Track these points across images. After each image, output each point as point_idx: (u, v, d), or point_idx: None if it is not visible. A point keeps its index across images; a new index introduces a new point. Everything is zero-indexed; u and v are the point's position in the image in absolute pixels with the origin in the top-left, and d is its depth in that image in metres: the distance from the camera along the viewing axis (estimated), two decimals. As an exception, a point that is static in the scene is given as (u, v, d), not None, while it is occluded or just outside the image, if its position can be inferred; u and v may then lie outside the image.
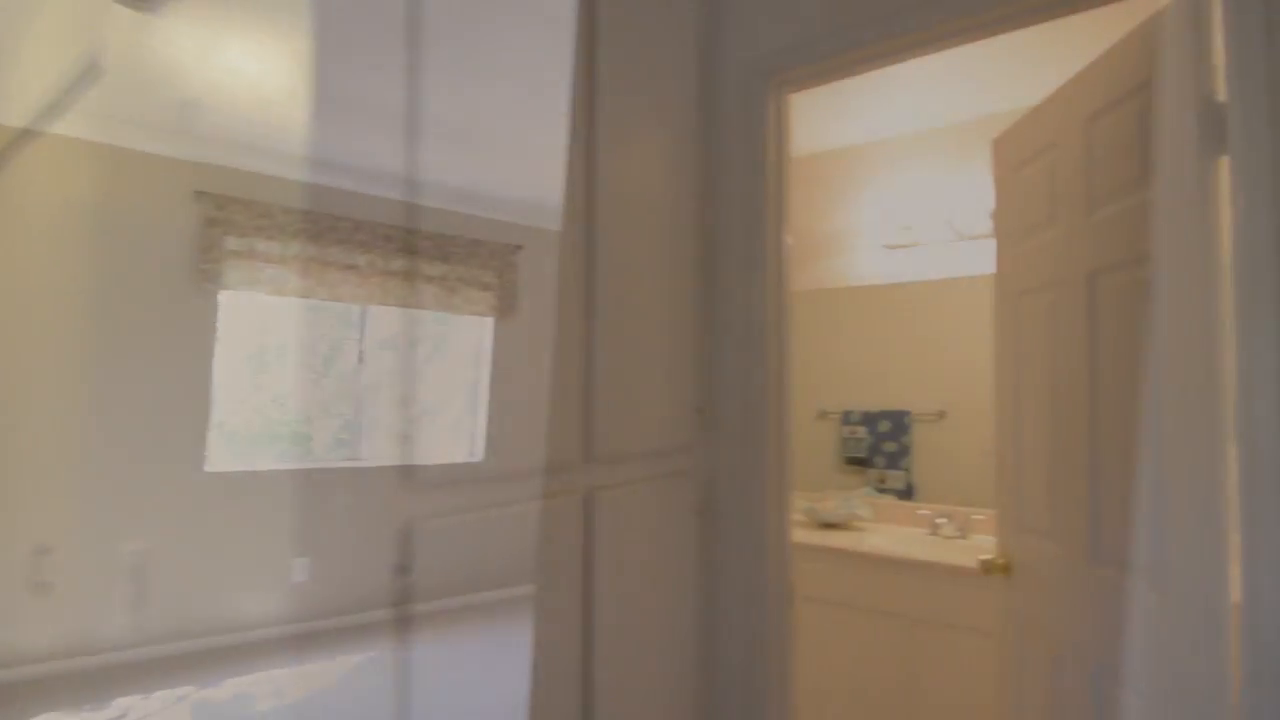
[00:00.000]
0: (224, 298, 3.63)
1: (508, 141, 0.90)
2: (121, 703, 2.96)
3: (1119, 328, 1.40)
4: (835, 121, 2.90)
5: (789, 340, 1.64)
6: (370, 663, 3.10)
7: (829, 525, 2.77)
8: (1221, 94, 1.21)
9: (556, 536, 1.21)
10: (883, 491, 2.88)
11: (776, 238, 1.63)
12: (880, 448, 2.91)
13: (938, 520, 2.63)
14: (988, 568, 1.80)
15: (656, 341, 1.52)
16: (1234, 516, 1.19)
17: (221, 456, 3.71)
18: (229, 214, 3.49)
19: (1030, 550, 1.69)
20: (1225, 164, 1.21)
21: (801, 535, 2.61)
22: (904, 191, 2.93)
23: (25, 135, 2.81)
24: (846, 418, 2.99)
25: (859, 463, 2.94)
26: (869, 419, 2.95)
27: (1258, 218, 1.12)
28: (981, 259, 2.70)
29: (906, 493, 2.84)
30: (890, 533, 2.71)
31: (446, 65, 1.31)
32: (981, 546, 2.47)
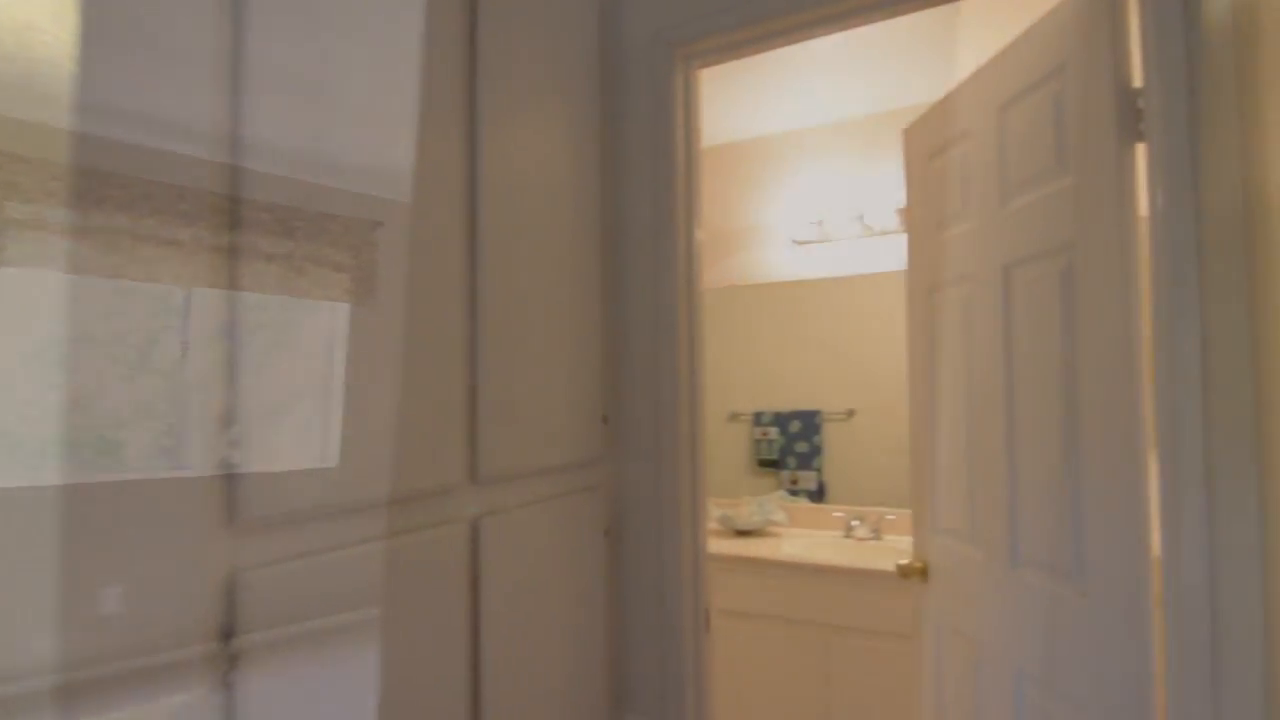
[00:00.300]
0: (3, 276, 3.18)
1: (366, 102, 0.76)
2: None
3: (1035, 322, 1.35)
4: (744, 111, 2.83)
5: (701, 341, 1.52)
6: (191, 706, 2.72)
7: (744, 533, 2.68)
8: (1137, 79, 1.17)
9: (431, 579, 1.03)
10: (795, 494, 2.83)
11: (688, 228, 1.50)
12: (792, 448, 2.86)
13: (852, 523, 2.60)
14: (905, 572, 1.74)
15: (556, 342, 1.36)
16: (1155, 514, 1.15)
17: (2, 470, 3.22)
18: (10, 174, 3.03)
19: (948, 552, 1.64)
20: (1141, 151, 1.17)
21: (716, 545, 2.51)
22: (815, 185, 2.88)
23: None
24: (758, 419, 2.92)
25: (771, 464, 2.88)
26: (780, 420, 2.89)
27: (1177, 207, 1.07)
28: (892, 255, 2.69)
29: (818, 493, 2.79)
30: (805, 537, 2.65)
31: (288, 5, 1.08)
32: (897, 548, 2.45)
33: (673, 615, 1.47)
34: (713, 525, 2.80)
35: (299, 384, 0.91)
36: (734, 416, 2.99)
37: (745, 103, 2.71)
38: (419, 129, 1.01)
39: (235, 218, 0.85)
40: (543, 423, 1.30)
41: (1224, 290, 1.03)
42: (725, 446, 2.99)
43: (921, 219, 1.76)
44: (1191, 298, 1.06)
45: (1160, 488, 1.09)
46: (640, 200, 1.49)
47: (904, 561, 1.76)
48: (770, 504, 2.73)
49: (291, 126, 0.86)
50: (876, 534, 2.55)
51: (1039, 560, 1.35)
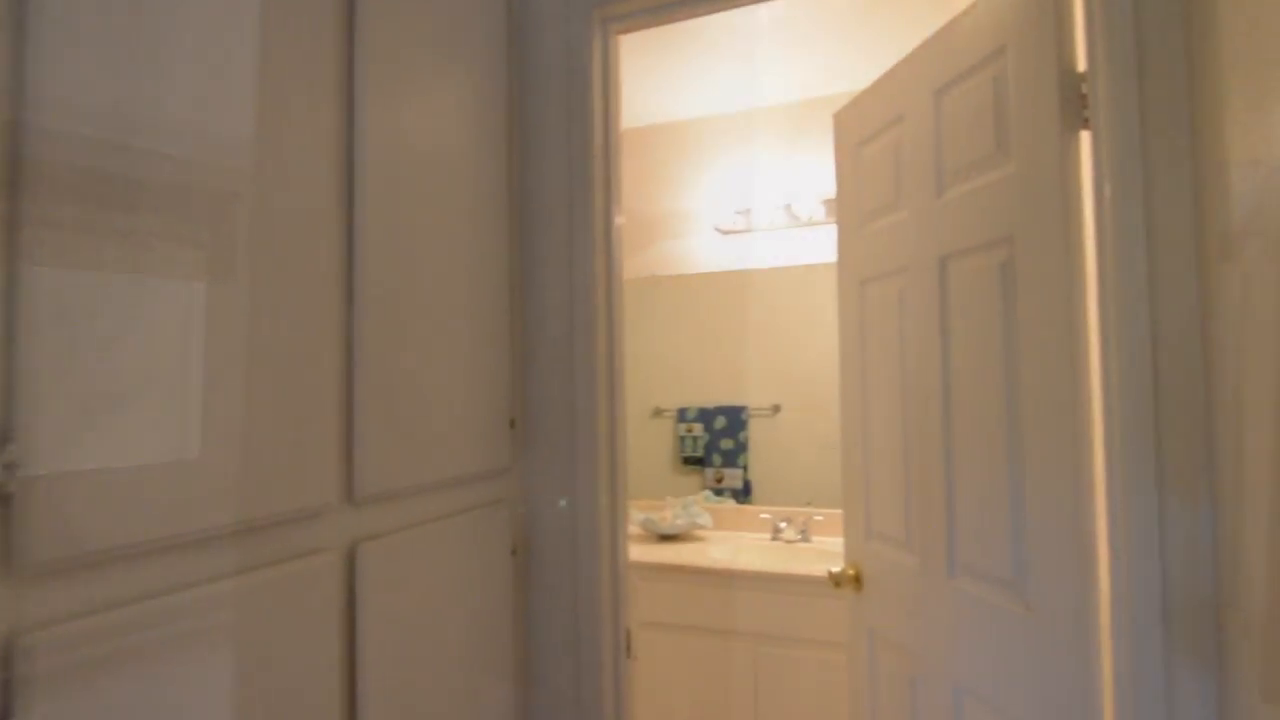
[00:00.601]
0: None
1: (215, 65, 0.62)
2: None
3: (974, 316, 1.28)
4: (666, 93, 2.70)
5: (622, 335, 1.38)
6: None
7: (667, 538, 2.57)
8: (1081, 63, 1.11)
9: (290, 623, 0.85)
10: (720, 493, 2.74)
11: (606, 211, 1.36)
12: (717, 446, 2.77)
13: (779, 524, 2.52)
14: (837, 580, 1.66)
15: (455, 336, 1.19)
16: (1101, 521, 1.09)
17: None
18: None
19: (882, 560, 1.56)
20: (1086, 139, 1.10)
21: (637, 551, 2.39)
22: (741, 173, 2.79)
23: None
24: (682, 415, 2.82)
25: (696, 463, 2.78)
26: (705, 416, 2.79)
27: (1125, 199, 1.01)
28: (821, 247, 2.63)
29: (744, 492, 2.71)
30: (731, 541, 2.56)
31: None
32: (827, 551, 2.39)
33: (589, 640, 1.33)
34: (634, 530, 2.68)
35: (122, 383, 0.71)
36: (657, 413, 2.87)
37: (668, 84, 2.59)
38: (281, 95, 0.83)
39: (67, 188, 0.65)
40: (438, 429, 1.14)
41: (1174, 286, 0.97)
42: (648, 444, 2.87)
43: (852, 208, 1.67)
44: (1139, 294, 0.99)
45: (1108, 494, 1.03)
46: (554, 179, 1.34)
47: (836, 569, 1.67)
48: (694, 506, 2.63)
49: (110, 88, 0.66)
50: (805, 536, 2.49)
51: (978, 570, 1.28)
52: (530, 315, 1.36)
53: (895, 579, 1.51)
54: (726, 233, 2.79)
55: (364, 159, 0.98)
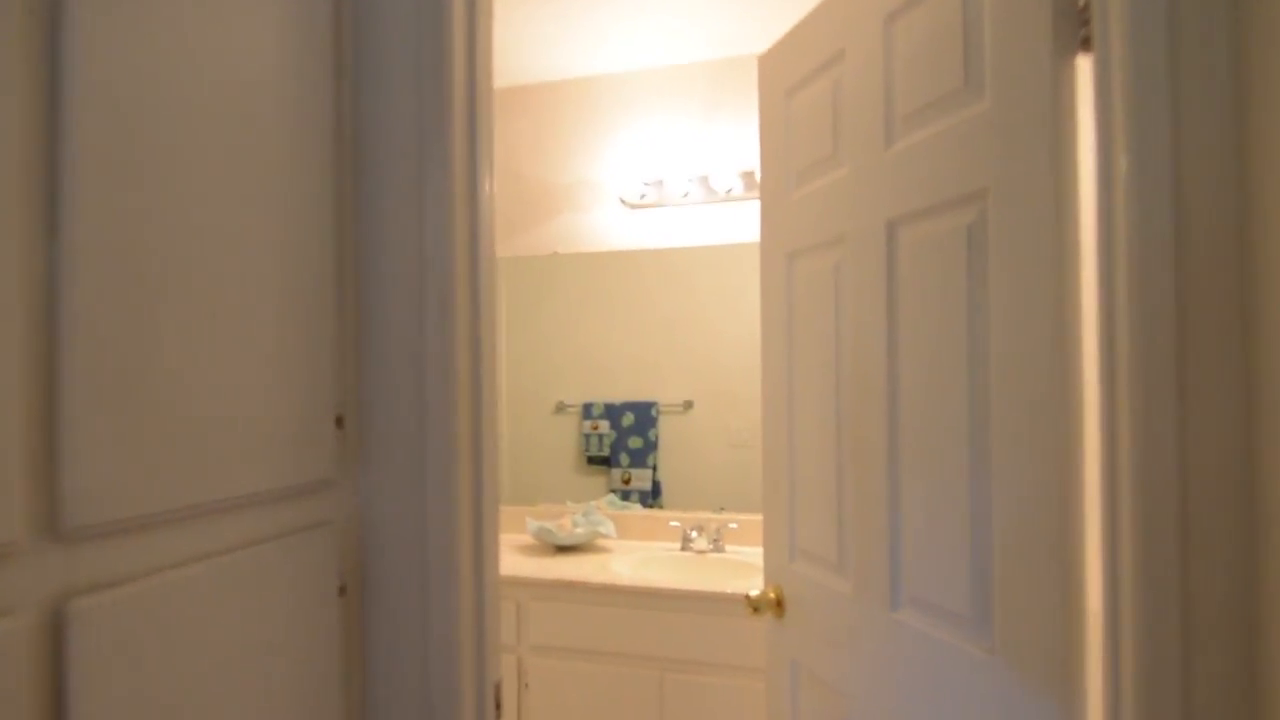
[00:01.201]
0: None
1: None
2: None
3: (930, 294, 1.04)
4: (565, 45, 2.39)
5: (492, 317, 1.07)
6: None
7: (566, 549, 2.27)
8: (1076, -32, 0.88)
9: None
10: (627, 495, 2.46)
11: (472, 171, 1.04)
12: (625, 444, 2.49)
13: (690, 533, 2.27)
14: (756, 604, 1.41)
15: (249, 312, 0.85)
16: (1092, 547, 0.88)
17: None
18: None
19: (809, 583, 1.32)
20: (1085, 64, 0.88)
21: (531, 567, 2.08)
22: (651, 139, 2.51)
23: None
24: (587, 411, 2.53)
25: (602, 462, 2.50)
26: (612, 412, 2.51)
27: (1143, 139, 0.77)
28: (740, 224, 2.38)
29: (653, 494, 2.45)
30: (638, 552, 2.28)
31: None
32: (742, 563, 2.15)
33: (445, 700, 1.02)
34: (528, 540, 2.37)
35: None
36: (561, 408, 2.57)
37: (569, 35, 2.28)
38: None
39: None
40: (218, 429, 0.79)
41: (1207, 259, 0.75)
42: (550, 442, 2.57)
43: (779, 169, 1.41)
44: (1159, 268, 0.76)
45: (1105, 521, 0.80)
46: (399, 129, 1.01)
47: (754, 592, 1.42)
48: (596, 513, 2.34)
49: None
50: (718, 545, 2.24)
51: (928, 602, 1.05)
52: (367, 289, 1.02)
53: (825, 607, 1.27)
54: (635, 206, 2.51)
55: (76, 73, 0.63)
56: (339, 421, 0.97)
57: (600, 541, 2.33)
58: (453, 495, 1.01)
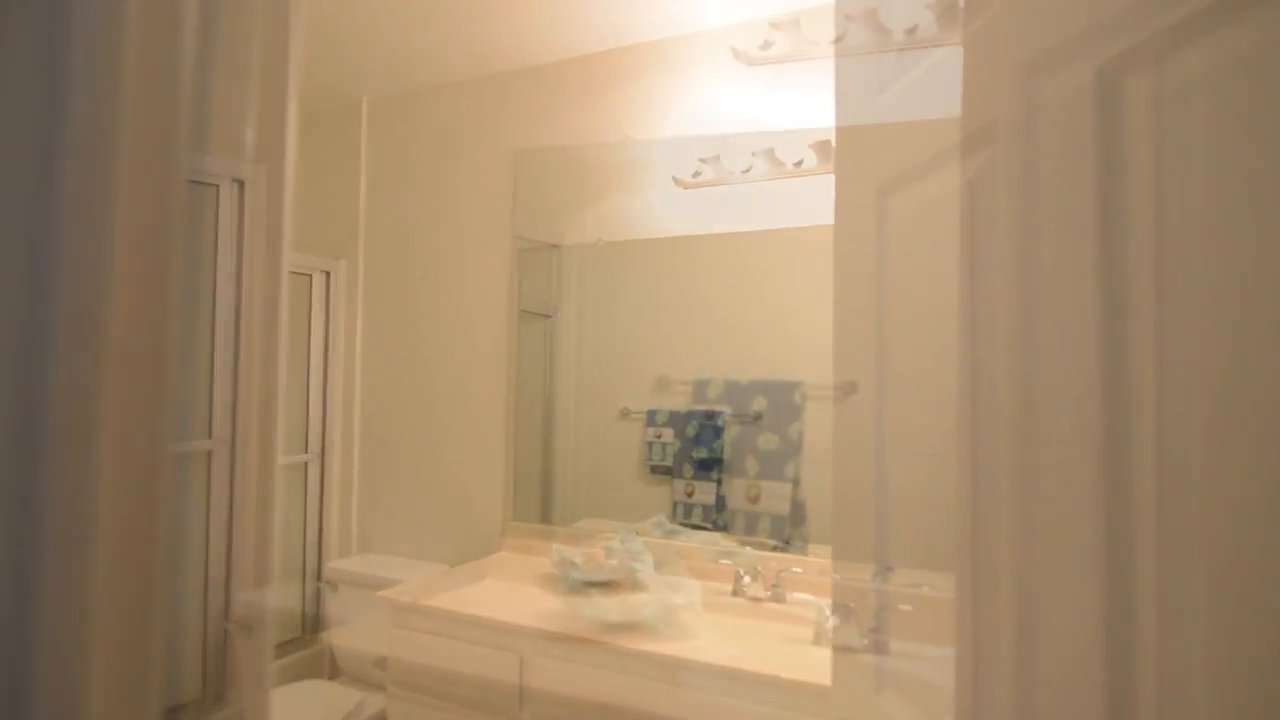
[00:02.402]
0: None
1: None
2: None
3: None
4: (611, 9, 2.07)
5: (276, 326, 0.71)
6: None
7: (593, 585, 1.87)
8: None
9: None
10: (690, 509, 2.11)
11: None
12: (689, 454, 2.16)
13: (742, 578, 1.83)
14: None
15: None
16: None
17: None
18: None
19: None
20: None
21: (541, 609, 1.70)
22: (708, 110, 2.15)
23: None
24: (651, 418, 2.18)
25: (665, 472, 2.18)
26: (676, 420, 2.17)
27: None
28: (813, 205, 1.98)
29: (717, 508, 2.07)
30: (680, 592, 1.83)
31: None
32: (803, 618, 1.70)
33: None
34: (547, 569, 1.99)
35: None
36: (624, 414, 2.25)
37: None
38: None
39: None
40: None
41: None
42: (613, 448, 2.28)
43: (863, 40, 1.01)
44: None
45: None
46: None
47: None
48: (636, 541, 1.94)
49: None
50: (777, 593, 1.79)
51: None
52: None
53: None
54: (688, 186, 2.14)
55: None
56: None
57: (639, 574, 1.91)
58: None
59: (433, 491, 2.53)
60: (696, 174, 2.13)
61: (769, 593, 1.80)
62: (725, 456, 2.10)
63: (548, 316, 2.42)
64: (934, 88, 0.88)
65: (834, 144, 1.10)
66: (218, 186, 0.99)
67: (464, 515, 2.46)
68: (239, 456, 0.99)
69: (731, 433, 2.08)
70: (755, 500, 2.04)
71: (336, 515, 2.69)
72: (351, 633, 2.45)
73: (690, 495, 2.15)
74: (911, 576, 1.12)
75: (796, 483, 1.97)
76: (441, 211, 2.58)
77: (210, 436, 1.01)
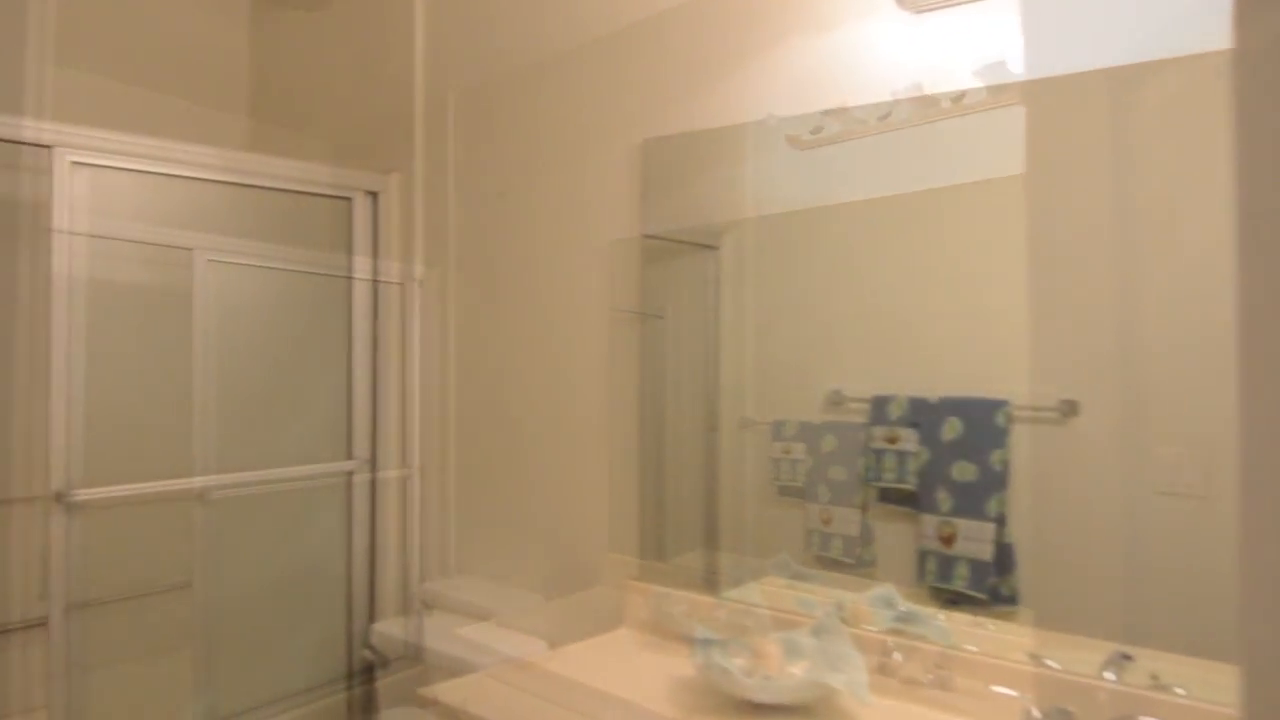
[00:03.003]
0: None
1: None
2: None
3: None
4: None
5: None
6: None
7: (764, 709, 1.40)
8: None
9: None
10: (828, 540, 1.74)
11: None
12: (824, 474, 1.78)
13: (893, 652, 1.42)
14: None
15: None
16: None
17: None
18: None
19: None
20: None
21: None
22: (830, 52, 1.69)
23: None
24: (777, 431, 1.83)
25: (796, 493, 1.81)
26: (807, 433, 1.78)
27: None
28: (985, 149, 1.48)
29: (863, 540, 1.68)
30: (837, 667, 1.39)
31: None
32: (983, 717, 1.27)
33: None
34: (687, 671, 1.50)
35: None
36: (745, 424, 1.91)
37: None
38: None
39: None
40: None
41: None
42: (735, 463, 1.93)
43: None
44: None
45: None
46: None
47: None
48: (833, 621, 1.50)
49: None
50: (941, 680, 1.37)
51: None
52: None
53: None
54: (805, 146, 1.71)
55: None
56: None
57: (835, 697, 1.41)
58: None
59: (527, 511, 2.28)
60: (816, 130, 1.68)
61: (930, 676, 1.38)
62: (867, 478, 1.70)
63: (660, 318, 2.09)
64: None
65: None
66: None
67: (560, 540, 2.20)
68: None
69: (879, 446, 1.66)
70: (950, 542, 1.60)
71: (435, 534, 2.55)
72: (460, 692, 2.05)
73: (827, 523, 1.77)
74: (1159, 666, 0.69)
75: (1002, 523, 1.50)
76: (540, 207, 2.29)
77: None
